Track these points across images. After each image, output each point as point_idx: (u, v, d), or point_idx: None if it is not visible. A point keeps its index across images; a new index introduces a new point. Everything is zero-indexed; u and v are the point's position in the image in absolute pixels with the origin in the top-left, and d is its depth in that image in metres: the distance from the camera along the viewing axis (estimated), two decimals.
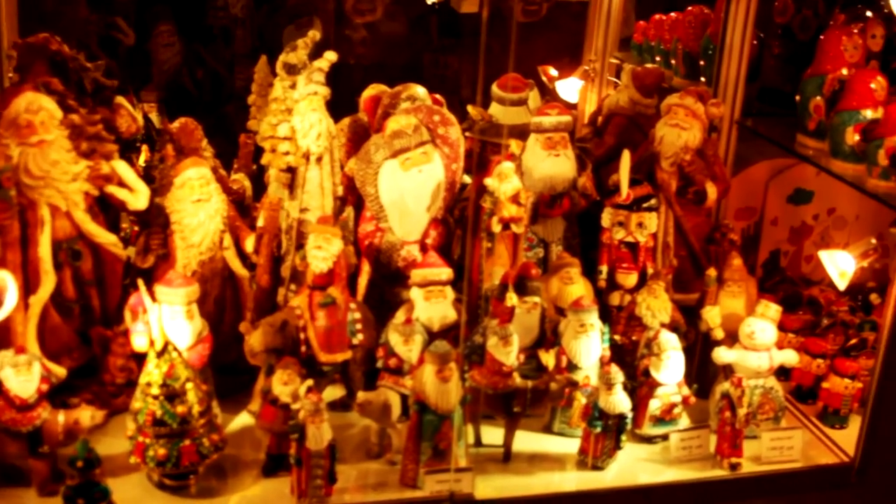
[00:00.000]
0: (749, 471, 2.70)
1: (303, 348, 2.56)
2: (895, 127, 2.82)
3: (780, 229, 3.51)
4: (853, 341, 3.00)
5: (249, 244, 2.72)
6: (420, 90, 3.04)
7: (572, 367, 2.62)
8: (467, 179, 2.98)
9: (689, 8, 3.78)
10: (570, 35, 4.26)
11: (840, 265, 3.02)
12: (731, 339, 2.78)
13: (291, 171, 2.77)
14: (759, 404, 2.77)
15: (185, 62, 3.97)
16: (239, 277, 2.72)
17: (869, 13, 3.24)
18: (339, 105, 2.88)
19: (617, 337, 2.81)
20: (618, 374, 2.58)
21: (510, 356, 2.53)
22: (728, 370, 2.75)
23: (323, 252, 2.57)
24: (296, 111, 2.74)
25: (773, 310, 2.76)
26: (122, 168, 2.71)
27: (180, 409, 2.30)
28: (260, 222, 2.71)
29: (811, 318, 3.16)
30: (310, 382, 2.35)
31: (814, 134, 3.07)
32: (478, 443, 2.67)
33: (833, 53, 3.05)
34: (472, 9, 4.73)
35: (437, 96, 3.09)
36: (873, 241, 3.26)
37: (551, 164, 2.91)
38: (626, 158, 2.91)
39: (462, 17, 4.68)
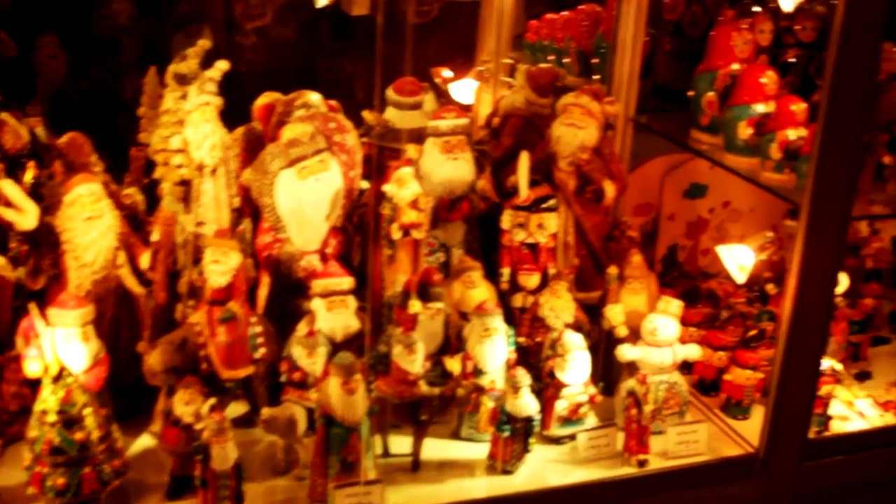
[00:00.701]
0: (657, 467, 2.72)
1: (204, 365, 2.50)
2: (787, 120, 2.87)
3: (677, 224, 3.55)
4: (752, 332, 3.04)
5: (144, 261, 2.65)
6: (314, 97, 3.00)
7: (478, 371, 2.61)
8: (365, 185, 2.95)
9: (581, 6, 3.80)
10: (462, 36, 4.24)
11: (739, 259, 3.06)
12: (635, 335, 2.79)
13: (185, 184, 2.71)
14: (664, 399, 2.79)
15: (71, 74, 3.86)
16: (135, 295, 2.65)
17: (757, 8, 3.29)
18: (233, 114, 2.83)
19: (522, 339, 2.80)
20: (524, 377, 2.58)
21: (415, 364, 2.51)
22: (632, 367, 2.77)
23: (221, 266, 2.52)
24: (188, 122, 2.68)
25: (674, 305, 2.79)
26: (7, 187, 2.61)
27: (79, 435, 2.23)
28: (154, 237, 2.64)
29: (710, 311, 3.20)
30: (213, 401, 2.31)
31: (707, 129, 3.11)
32: (386, 453, 2.65)
33: (723, 49, 3.09)
34: (363, 11, 4.70)
35: (333, 102, 3.05)
36: (770, 234, 3.31)
37: (450, 167, 2.89)
38: (524, 160, 2.91)
39: (354, 19, 4.64)
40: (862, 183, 2.83)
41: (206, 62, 2.75)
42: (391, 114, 3.09)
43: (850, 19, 2.46)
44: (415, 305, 2.57)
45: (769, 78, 2.97)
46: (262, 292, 2.79)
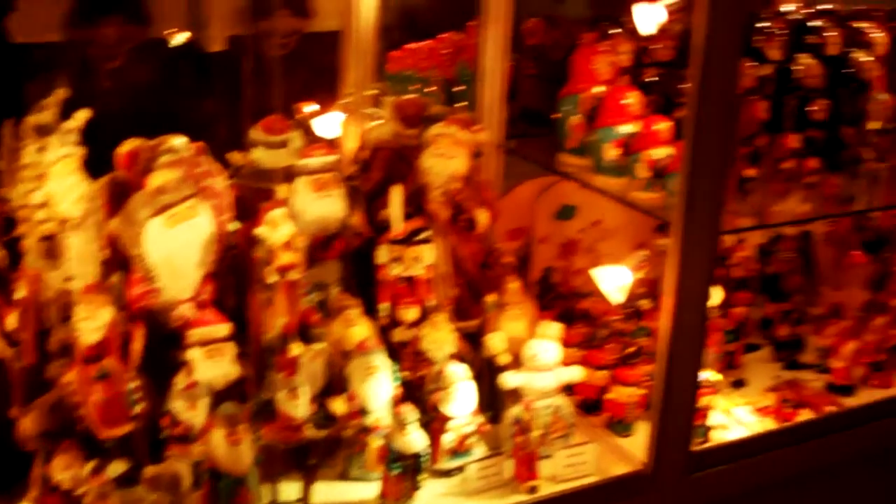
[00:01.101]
0: (548, 492, 2.73)
1: (81, 426, 2.43)
2: (653, 140, 2.92)
3: (549, 246, 3.58)
4: (630, 350, 3.08)
5: (11, 321, 2.56)
6: (179, 141, 2.93)
7: (364, 411, 2.59)
8: (236, 227, 2.90)
9: (442, 35, 3.82)
10: (325, 68, 4.22)
11: (615, 281, 3.10)
12: (518, 362, 2.80)
13: (50, 238, 2.63)
14: (549, 424, 2.80)
15: None
16: (3, 358, 2.56)
17: (616, 30, 3.34)
18: (96, 164, 2.75)
19: (405, 374, 2.79)
20: (411, 414, 2.56)
21: (300, 408, 2.48)
22: (517, 394, 2.78)
23: (92, 322, 2.45)
24: (50, 176, 2.60)
25: (553, 329, 2.80)
26: None
27: None
28: (20, 295, 2.56)
29: (588, 330, 3.23)
30: (93, 463, 2.24)
31: (575, 151, 3.14)
32: (275, 501, 2.60)
33: (585, 72, 3.13)
34: (221, 46, 4.65)
35: (198, 145, 2.99)
36: (643, 252, 3.36)
37: (321, 205, 2.86)
38: (395, 193, 2.90)
39: (213, 56, 4.59)
40: (727, 196, 2.90)
41: (65, 111, 2.68)
42: (259, 153, 3.05)
43: (710, 38, 2.52)
44: (295, 348, 2.53)
45: (632, 98, 3.02)
46: (137, 346, 2.71)
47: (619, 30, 3.33)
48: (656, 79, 3.23)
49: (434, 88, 3.75)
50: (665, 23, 3.17)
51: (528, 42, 3.50)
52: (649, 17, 3.02)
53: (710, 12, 2.49)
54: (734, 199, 3.02)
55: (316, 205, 2.86)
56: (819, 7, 3.77)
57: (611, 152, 2.97)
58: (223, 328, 2.66)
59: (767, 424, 3.18)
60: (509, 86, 3.41)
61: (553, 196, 3.53)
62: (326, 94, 4.16)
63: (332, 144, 3.14)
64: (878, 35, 3.48)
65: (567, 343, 3.06)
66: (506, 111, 3.38)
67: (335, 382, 2.65)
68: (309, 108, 4.09)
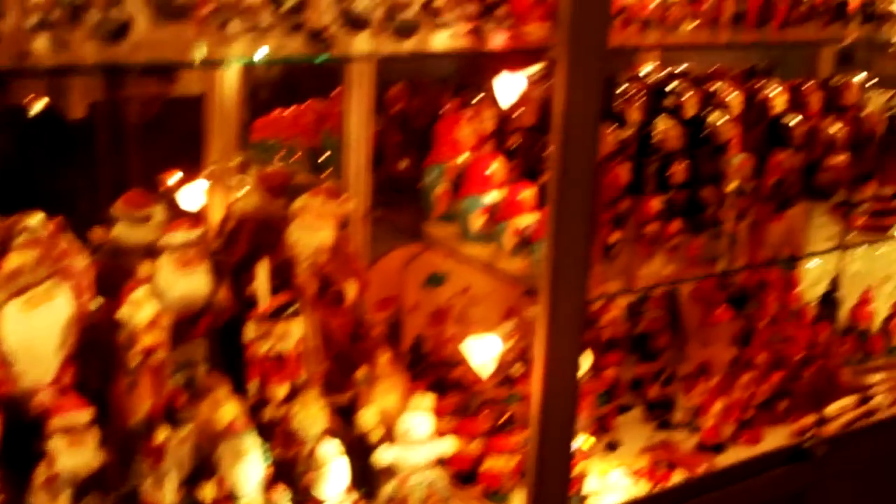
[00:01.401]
0: None
1: None
2: (518, 207, 2.94)
3: (420, 315, 3.57)
4: (503, 418, 3.08)
5: None
6: (36, 219, 2.84)
7: (234, 496, 2.52)
8: (97, 305, 2.82)
9: (307, 102, 3.80)
10: (189, 136, 4.15)
11: (486, 352, 3.10)
12: (391, 436, 2.77)
13: None
14: (425, 498, 2.77)
15: None
16: None
17: (480, 95, 3.37)
18: None
19: (277, 453, 2.73)
20: (283, 497, 2.51)
21: (167, 497, 2.40)
22: (391, 470, 2.74)
23: None
24: None
25: (425, 401, 2.78)
26: None
27: None
28: None
29: (461, 399, 3.22)
30: None
31: (443, 219, 3.15)
32: None
33: (449, 141, 3.15)
34: (80, 113, 4.54)
35: (57, 221, 2.91)
36: (513, 320, 3.37)
37: (186, 282, 2.80)
38: (262, 269, 2.86)
39: (72, 125, 4.48)
40: (593, 261, 2.93)
41: None
42: (121, 229, 2.98)
43: (570, 103, 2.55)
44: (161, 433, 2.46)
45: (496, 166, 3.04)
46: None
47: (483, 95, 3.35)
48: (519, 144, 3.26)
49: (299, 156, 3.72)
50: (526, 90, 3.20)
51: (391, 109, 3.50)
52: (510, 88, 3.06)
53: (569, 78, 2.52)
54: (600, 264, 3.05)
55: (181, 282, 2.80)
56: (676, 69, 3.87)
57: (477, 221, 2.98)
58: (85, 414, 2.56)
59: (642, 487, 3.20)
60: (374, 153, 3.41)
61: (422, 264, 3.52)
62: (191, 163, 4.09)
63: (195, 218, 3.07)
64: (732, 96, 3.57)
65: (440, 413, 3.03)
66: (372, 179, 3.37)
67: (204, 466, 2.58)
68: (173, 178, 4.02)
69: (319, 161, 3.65)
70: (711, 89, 3.61)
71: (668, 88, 3.52)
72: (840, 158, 3.66)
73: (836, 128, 3.68)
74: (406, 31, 2.35)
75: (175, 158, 4.12)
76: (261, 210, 3.24)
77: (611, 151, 3.24)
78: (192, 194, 3.96)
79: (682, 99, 3.45)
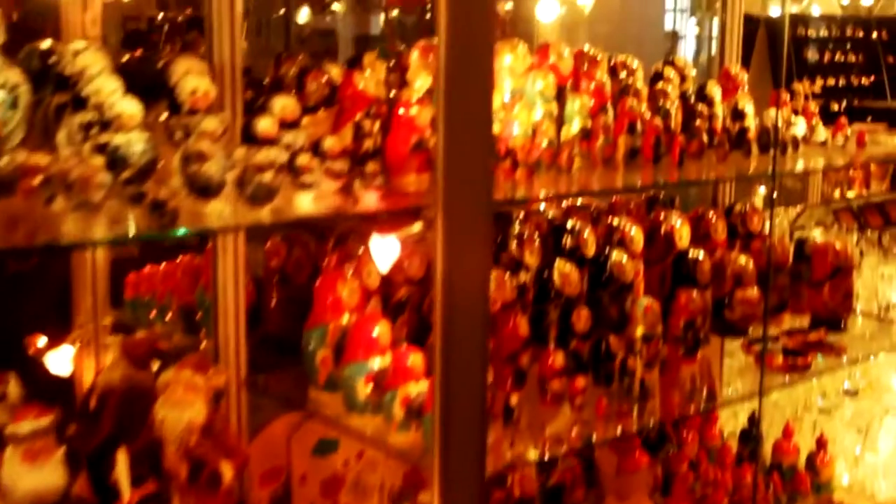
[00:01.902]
0: None
1: None
2: (406, 375, 2.67)
3: (310, 485, 3.25)
4: None
5: None
6: None
7: None
8: None
9: (181, 257, 3.53)
10: (57, 295, 3.83)
11: None
12: None
13: None
14: None
15: None
16: None
17: (363, 247, 3.11)
18: None
19: None
20: None
21: None
22: None
23: None
24: None
25: None
26: None
27: None
28: None
29: None
30: None
31: (326, 387, 2.86)
32: None
33: (330, 300, 2.87)
34: None
35: None
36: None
37: (35, 477, 2.48)
38: (121, 457, 2.56)
39: None
40: (491, 426, 2.67)
41: None
42: None
43: (451, 269, 2.29)
44: None
45: (382, 328, 2.77)
46: None
47: (365, 246, 3.10)
48: (407, 299, 3.01)
49: (173, 315, 3.43)
50: (411, 242, 2.96)
51: (270, 264, 3.23)
52: (385, 251, 2.81)
53: (449, 240, 2.26)
54: (501, 428, 2.79)
55: (28, 477, 2.48)
56: (575, 202, 3.66)
57: (363, 390, 2.70)
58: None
59: None
60: (251, 312, 3.13)
61: (309, 431, 3.21)
62: (59, 325, 3.77)
63: (45, 408, 2.74)
64: (634, 231, 3.36)
65: None
66: (248, 342, 3.08)
67: None
68: (38, 341, 3.70)
69: (195, 320, 3.35)
70: (612, 223, 3.41)
71: (566, 227, 3.30)
72: (750, 292, 3.46)
73: (743, 259, 3.49)
74: (263, 196, 2.10)
75: (43, 321, 3.81)
76: (126, 382, 2.94)
77: (508, 300, 3.00)
78: (59, 360, 3.65)
79: (582, 238, 3.23)
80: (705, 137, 3.24)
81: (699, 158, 3.23)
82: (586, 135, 3.01)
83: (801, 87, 3.91)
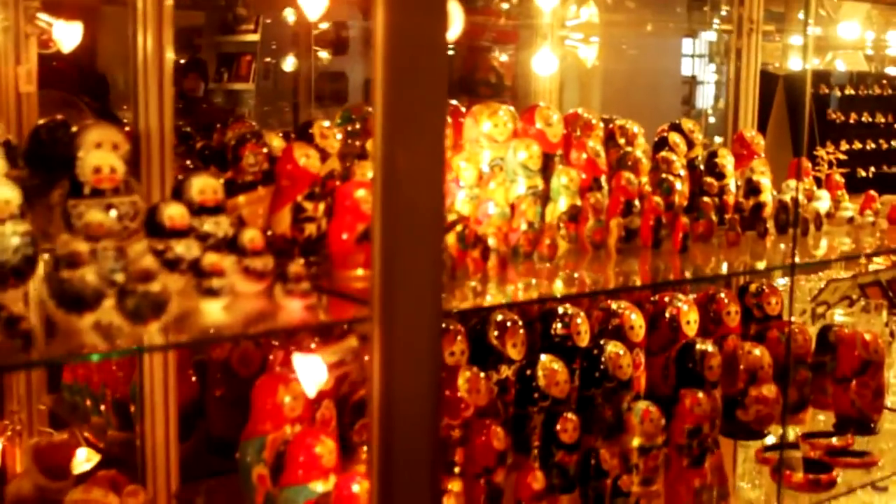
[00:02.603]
0: None
1: None
2: (349, 502, 2.25)
3: None
4: None
5: None
6: None
7: None
8: None
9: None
10: None
11: None
12: None
13: None
14: None
15: None
16: None
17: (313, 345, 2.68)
18: None
19: None
20: None
21: None
22: None
23: None
24: None
25: None
26: None
27: None
28: None
29: None
30: None
31: None
32: None
33: (271, 406, 2.44)
34: None
35: None
36: None
37: None
38: None
39: None
40: None
41: None
42: None
43: (391, 376, 1.86)
44: None
45: (327, 446, 2.33)
46: None
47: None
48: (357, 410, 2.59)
49: (105, 407, 3.02)
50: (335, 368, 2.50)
51: (212, 354, 2.82)
52: (311, 375, 2.38)
53: (384, 338, 1.83)
54: None
55: None
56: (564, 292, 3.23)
57: None
58: None
59: None
60: (191, 410, 2.72)
61: None
62: None
63: None
64: (634, 317, 2.95)
65: None
66: (188, 444, 2.67)
67: None
68: None
69: (131, 413, 2.93)
70: (610, 307, 2.98)
71: (557, 310, 2.88)
72: (766, 389, 3.02)
73: (758, 351, 3.05)
74: (146, 312, 1.68)
75: None
76: (38, 493, 2.54)
77: (482, 405, 2.58)
78: None
79: (574, 325, 2.82)
80: (714, 216, 2.81)
81: (706, 241, 2.79)
82: (574, 215, 2.59)
83: (825, 152, 3.48)
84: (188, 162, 2.68)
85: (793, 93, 3.93)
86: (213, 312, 1.84)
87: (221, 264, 1.83)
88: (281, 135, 2.47)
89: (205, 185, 2.02)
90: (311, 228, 2.21)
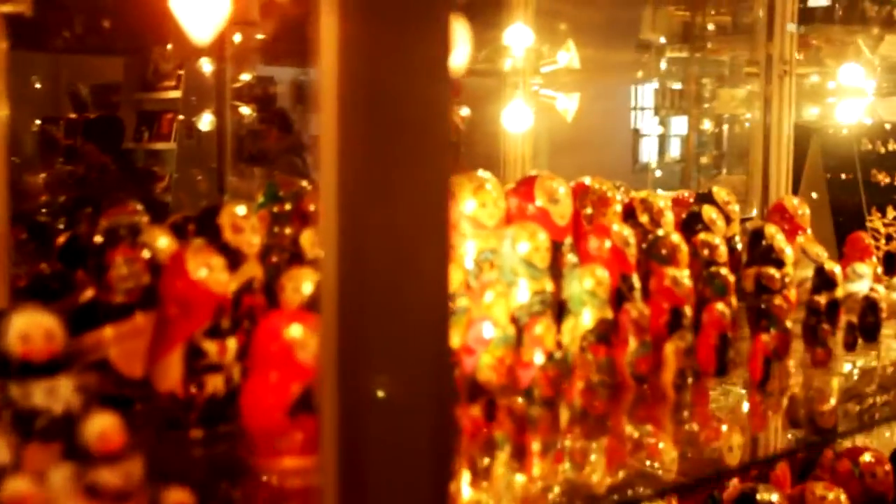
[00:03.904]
0: None
1: None
2: None
3: None
4: None
5: None
6: None
7: None
8: None
9: None
10: None
11: None
12: None
13: None
14: None
15: None
16: None
17: None
18: None
19: None
20: None
21: None
22: None
23: None
24: None
25: None
26: None
27: None
28: None
29: None
30: None
31: None
32: None
33: None
34: None
35: None
36: None
37: None
38: None
39: None
40: None
41: None
42: None
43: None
44: None
45: None
46: None
47: None
48: None
49: None
50: None
51: None
52: None
53: None
54: None
55: None
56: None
57: None
58: None
59: None
60: None
61: None
62: None
63: None
64: None
65: None
66: None
67: None
68: None
69: None
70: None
71: None
72: None
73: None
74: None
75: None
76: None
77: None
78: None
79: None
80: (789, 324, 2.01)
81: (781, 360, 2.00)
82: (604, 335, 1.78)
83: (882, 223, 2.74)
84: (43, 266, 1.86)
85: (829, 150, 3.22)
86: None
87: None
88: (172, 227, 1.64)
89: (30, 327, 1.18)
90: (215, 382, 1.38)
